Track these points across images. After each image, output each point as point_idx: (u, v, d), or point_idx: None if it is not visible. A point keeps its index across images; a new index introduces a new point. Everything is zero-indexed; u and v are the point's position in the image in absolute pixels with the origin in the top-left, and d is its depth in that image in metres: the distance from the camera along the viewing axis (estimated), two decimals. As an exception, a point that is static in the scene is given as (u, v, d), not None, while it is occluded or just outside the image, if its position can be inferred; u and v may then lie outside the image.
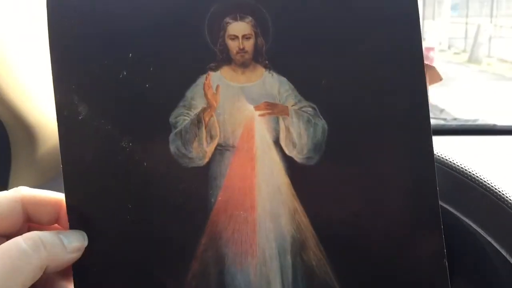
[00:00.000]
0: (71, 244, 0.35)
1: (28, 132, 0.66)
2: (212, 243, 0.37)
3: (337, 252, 0.37)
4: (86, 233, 0.37)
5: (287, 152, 0.37)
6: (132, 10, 0.37)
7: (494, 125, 1.08)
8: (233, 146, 0.37)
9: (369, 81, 0.37)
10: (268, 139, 0.38)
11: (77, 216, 0.37)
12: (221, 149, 0.37)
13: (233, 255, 0.37)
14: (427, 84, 0.53)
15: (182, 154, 0.37)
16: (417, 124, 0.37)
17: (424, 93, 0.37)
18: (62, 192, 0.37)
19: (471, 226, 0.46)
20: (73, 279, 0.36)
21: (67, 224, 0.37)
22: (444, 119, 1.30)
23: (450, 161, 0.45)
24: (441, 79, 0.54)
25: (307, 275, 0.37)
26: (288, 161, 0.37)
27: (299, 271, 0.37)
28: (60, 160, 0.37)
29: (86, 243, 0.36)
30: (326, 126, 0.37)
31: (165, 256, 0.37)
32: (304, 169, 0.37)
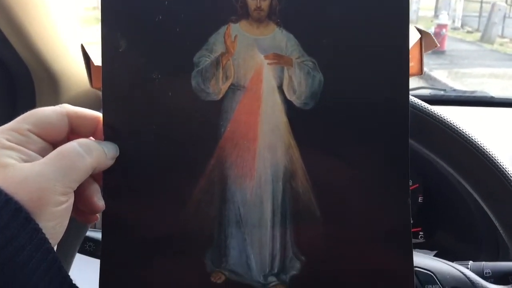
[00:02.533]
0: (109, 152, 0.43)
1: (53, 79, 0.70)
2: (219, 165, 0.45)
3: (321, 183, 0.45)
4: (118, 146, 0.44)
5: (288, 96, 0.45)
6: None
7: (492, 97, 1.14)
8: (243, 87, 0.45)
9: (361, 46, 0.44)
10: (273, 84, 0.45)
11: (111, 131, 0.44)
12: (233, 88, 0.45)
13: (235, 176, 0.45)
14: (423, 50, 0.60)
15: (201, 89, 0.45)
16: (396, 88, 0.44)
17: (406, 59, 0.44)
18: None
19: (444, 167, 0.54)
20: (103, 183, 0.45)
21: (101, 137, 0.44)
22: (444, 90, 1.36)
23: (429, 109, 0.52)
24: (436, 46, 0.61)
25: (293, 199, 0.45)
26: (288, 104, 0.45)
27: (287, 195, 0.45)
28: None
29: (117, 153, 0.44)
30: (322, 79, 0.45)
31: (179, 172, 0.45)
32: (301, 112, 0.45)
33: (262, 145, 0.45)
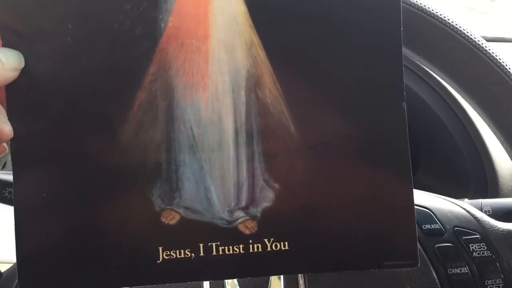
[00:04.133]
0: (9, 61, 0.32)
1: None
2: (161, 73, 0.34)
3: (294, 91, 0.35)
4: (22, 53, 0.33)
5: (245, -21, 0.34)
6: None
7: (485, 36, 1.06)
8: (186, -34, 0.34)
9: None
10: (226, -39, 0.34)
11: (11, 34, 0.33)
12: (173, -31, 0.34)
13: (183, 87, 0.35)
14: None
15: (129, -29, 0.33)
16: None
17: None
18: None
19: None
20: (6, 103, 0.33)
21: (-1, 43, 0.33)
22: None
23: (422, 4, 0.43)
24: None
25: (261, 113, 0.35)
26: None
27: (253, 109, 0.35)
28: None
29: (22, 64, 0.33)
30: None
31: (108, 86, 0.34)
32: None
33: (215, 44, 0.35)
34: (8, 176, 0.56)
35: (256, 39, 0.35)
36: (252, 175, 0.35)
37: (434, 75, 0.63)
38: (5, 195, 0.54)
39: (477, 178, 0.80)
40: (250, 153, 0.35)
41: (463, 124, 0.82)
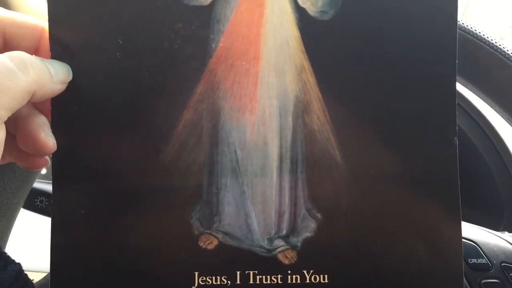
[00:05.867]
0: (57, 73, 0.31)
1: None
2: (208, 94, 0.34)
3: (343, 118, 0.34)
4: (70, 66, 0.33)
5: (300, 2, 0.34)
6: None
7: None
8: (241, -12, 0.33)
9: None
10: (281, -15, 0.34)
11: (61, 47, 0.33)
12: (228, -11, 0.33)
13: (230, 109, 0.34)
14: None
15: (183, -11, 0.33)
16: None
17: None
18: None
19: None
20: (51, 116, 0.33)
21: (47, 56, 0.33)
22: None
23: (479, 32, 0.41)
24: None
25: (307, 140, 0.34)
26: (300, 12, 0.34)
27: (299, 135, 0.34)
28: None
29: (70, 77, 0.32)
30: (346, -22, 0.33)
31: (154, 102, 0.33)
32: (317, 24, 0.34)
33: (266, 67, 0.34)
34: (39, 184, 0.55)
35: (307, 64, 0.34)
36: (294, 203, 0.34)
37: (471, 100, 0.62)
38: (36, 203, 0.54)
39: (511, 206, 0.78)
40: (294, 180, 0.34)
41: (498, 153, 0.80)
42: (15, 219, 0.46)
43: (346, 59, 0.34)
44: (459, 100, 0.79)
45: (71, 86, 0.33)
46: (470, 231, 0.45)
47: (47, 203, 0.55)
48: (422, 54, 0.34)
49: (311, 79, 0.34)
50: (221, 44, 0.33)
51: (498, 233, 0.45)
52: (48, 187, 0.55)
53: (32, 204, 0.54)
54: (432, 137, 0.34)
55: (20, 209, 0.46)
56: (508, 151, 0.79)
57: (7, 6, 0.60)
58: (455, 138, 0.34)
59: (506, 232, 0.49)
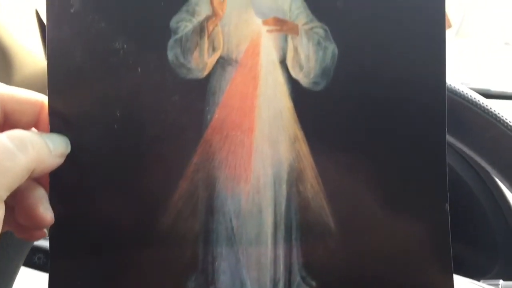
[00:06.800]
0: (56, 148, 0.32)
1: (3, 55, 0.61)
2: (204, 164, 0.34)
3: (336, 186, 0.35)
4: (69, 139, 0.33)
5: (293, 74, 0.35)
6: None
7: (488, 89, 1.07)
8: (236, 61, 0.34)
9: (388, 6, 0.34)
10: (274, 57, 0.35)
11: (60, 120, 0.33)
12: (223, 63, 0.34)
13: (225, 179, 0.35)
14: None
15: (180, 64, 0.34)
16: (433, 60, 0.34)
17: (442, 25, 0.35)
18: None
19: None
20: (50, 188, 0.33)
21: (46, 128, 0.33)
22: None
23: (466, 93, 0.42)
24: (450, 26, 0.51)
25: (301, 208, 0.35)
26: (293, 84, 0.35)
27: (293, 203, 0.35)
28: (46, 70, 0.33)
29: (68, 149, 0.33)
30: (336, 50, 0.34)
31: (151, 173, 0.34)
32: (309, 94, 0.35)
33: (260, 137, 0.35)
34: (38, 242, 0.56)
35: (300, 134, 0.35)
36: (289, 271, 0.35)
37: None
38: (34, 260, 0.54)
39: (505, 251, 0.79)
40: (288, 248, 0.35)
41: (494, 197, 0.81)
42: (14, 281, 0.46)
43: (339, 127, 0.35)
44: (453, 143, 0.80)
45: (70, 157, 0.33)
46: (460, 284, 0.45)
47: (45, 260, 0.55)
48: (413, 120, 0.35)
49: (304, 148, 0.35)
50: (216, 116, 0.34)
51: (478, 283, 0.45)
52: (47, 243, 0.55)
53: (31, 261, 0.54)
54: (424, 204, 0.35)
55: (19, 270, 0.46)
56: (503, 195, 0.80)
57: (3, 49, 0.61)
58: (447, 204, 0.35)
59: (501, 281, 0.49)
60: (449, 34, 0.36)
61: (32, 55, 0.64)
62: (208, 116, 0.34)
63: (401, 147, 0.35)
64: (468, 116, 0.43)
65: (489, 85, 1.18)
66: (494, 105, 0.44)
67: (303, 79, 0.35)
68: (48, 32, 0.33)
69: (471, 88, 1.16)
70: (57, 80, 0.33)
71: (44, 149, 0.31)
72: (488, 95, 1.10)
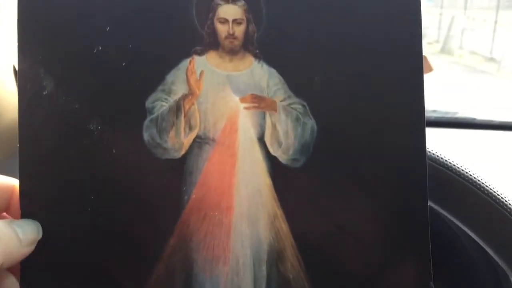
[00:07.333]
0: (26, 236, 0.31)
1: None
2: (181, 246, 0.34)
3: (317, 266, 0.34)
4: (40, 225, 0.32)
5: (271, 151, 0.34)
6: None
7: (474, 119, 1.06)
8: (213, 140, 0.34)
9: (365, 82, 0.34)
10: (252, 135, 0.34)
11: (31, 205, 0.32)
12: (200, 142, 0.34)
13: (203, 260, 0.34)
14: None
15: (156, 144, 0.33)
16: (412, 131, 0.34)
17: (422, 97, 0.34)
18: (17, 175, 0.33)
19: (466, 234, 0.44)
20: (20, 277, 0.32)
21: (17, 214, 0.32)
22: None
23: (446, 160, 0.42)
24: (431, 70, 0.51)
25: (282, 288, 0.34)
26: (271, 161, 0.34)
27: (273, 283, 0.34)
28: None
29: (40, 235, 0.32)
30: (315, 126, 0.34)
31: (126, 257, 0.33)
32: (288, 171, 0.34)
33: (238, 217, 0.34)
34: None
35: (279, 212, 0.34)
36: None
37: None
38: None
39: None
40: (269, 330, 0.34)
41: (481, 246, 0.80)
42: None
43: (320, 206, 0.34)
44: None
45: (41, 243, 0.32)
46: None
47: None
48: (396, 195, 0.34)
49: (284, 227, 0.34)
50: (194, 196, 0.34)
51: None
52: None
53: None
54: (408, 283, 0.35)
55: None
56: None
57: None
58: (431, 282, 0.34)
59: None
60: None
61: (14, 102, 0.63)
62: (186, 197, 0.33)
63: (385, 223, 0.34)
64: (449, 184, 0.42)
65: (474, 113, 1.18)
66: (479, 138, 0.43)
67: (282, 156, 0.34)
68: (20, 116, 0.32)
69: (457, 118, 1.15)
70: (28, 164, 0.32)
71: (13, 240, 0.30)
72: (473, 124, 1.11)
